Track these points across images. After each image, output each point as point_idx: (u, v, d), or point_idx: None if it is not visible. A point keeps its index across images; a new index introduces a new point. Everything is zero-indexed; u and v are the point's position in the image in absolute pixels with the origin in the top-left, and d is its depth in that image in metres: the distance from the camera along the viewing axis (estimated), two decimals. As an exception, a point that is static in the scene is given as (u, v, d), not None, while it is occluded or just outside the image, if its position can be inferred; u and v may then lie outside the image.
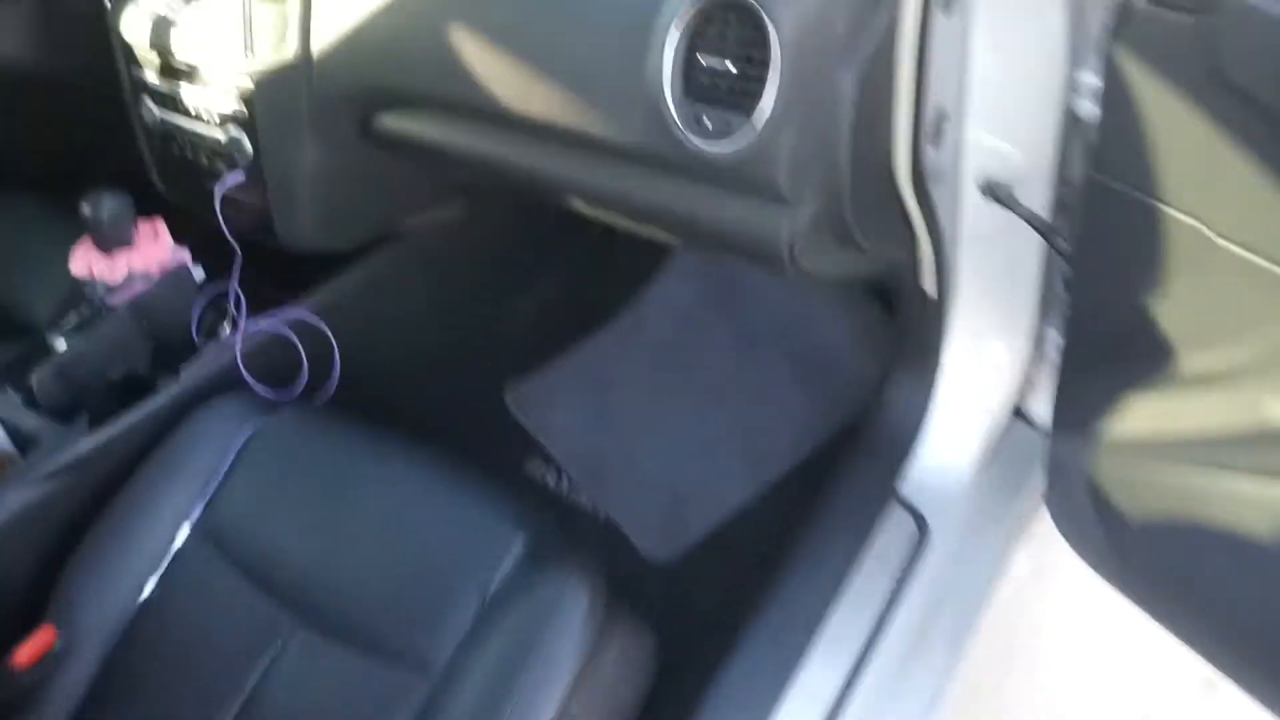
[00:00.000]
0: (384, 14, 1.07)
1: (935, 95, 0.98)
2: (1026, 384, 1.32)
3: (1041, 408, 1.35)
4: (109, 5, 1.30)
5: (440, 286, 1.49)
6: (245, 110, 1.20)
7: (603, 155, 1.01)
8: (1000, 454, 1.32)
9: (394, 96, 1.12)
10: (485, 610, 1.01)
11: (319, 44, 1.12)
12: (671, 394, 1.57)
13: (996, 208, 1.11)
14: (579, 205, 1.09)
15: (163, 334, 1.27)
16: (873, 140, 0.95)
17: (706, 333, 1.62)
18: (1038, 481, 1.35)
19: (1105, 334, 0.97)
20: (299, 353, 1.29)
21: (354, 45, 1.10)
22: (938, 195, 1.07)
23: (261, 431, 1.17)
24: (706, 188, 0.96)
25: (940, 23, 0.93)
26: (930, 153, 1.02)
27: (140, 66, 1.30)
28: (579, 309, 1.70)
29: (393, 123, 1.16)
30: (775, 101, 0.85)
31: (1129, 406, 0.95)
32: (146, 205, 1.26)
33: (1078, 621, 1.39)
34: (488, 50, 1.00)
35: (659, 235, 1.08)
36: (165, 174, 1.36)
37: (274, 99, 1.18)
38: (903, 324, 1.30)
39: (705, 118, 0.88)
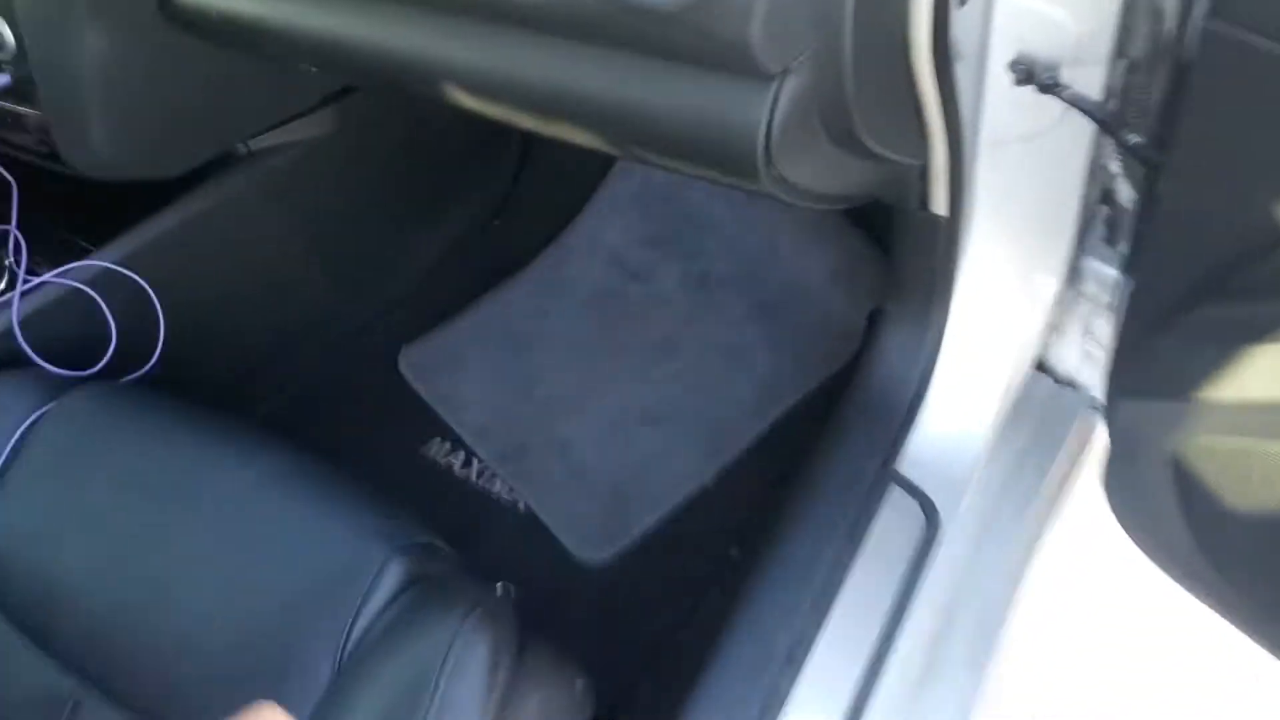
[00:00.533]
0: None
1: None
2: (1052, 329, 1.05)
3: (1067, 358, 1.08)
4: None
5: (302, 224, 1.16)
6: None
7: (499, 20, 0.70)
8: (1021, 418, 1.05)
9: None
10: (343, 669, 0.72)
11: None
12: (607, 354, 1.27)
13: (1030, 96, 0.82)
14: (465, 101, 0.78)
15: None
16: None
17: (649, 276, 1.32)
18: (1066, 452, 1.09)
19: (1207, 264, 0.69)
20: (105, 315, 0.96)
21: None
22: (960, 73, 0.78)
23: (42, 420, 0.86)
24: (646, 61, 0.66)
25: None
26: (955, 11, 0.73)
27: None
28: (489, 249, 1.39)
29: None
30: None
31: (1244, 361, 0.68)
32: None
33: (1115, 613, 1.13)
34: None
35: (584, 141, 0.77)
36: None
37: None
38: (898, 256, 1.02)
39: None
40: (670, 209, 1.33)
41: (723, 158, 0.67)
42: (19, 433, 0.86)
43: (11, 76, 0.91)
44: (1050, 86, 0.81)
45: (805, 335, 1.22)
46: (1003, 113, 0.86)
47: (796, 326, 1.23)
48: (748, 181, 0.69)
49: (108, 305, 0.97)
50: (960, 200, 0.91)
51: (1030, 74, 0.82)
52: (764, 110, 0.63)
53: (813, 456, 1.01)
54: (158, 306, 1.00)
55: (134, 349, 0.99)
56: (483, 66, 0.73)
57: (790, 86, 0.63)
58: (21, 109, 0.94)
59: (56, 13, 0.85)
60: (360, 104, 1.16)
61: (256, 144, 1.10)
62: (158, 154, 0.99)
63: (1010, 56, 0.82)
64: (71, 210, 1.03)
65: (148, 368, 1.00)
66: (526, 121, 0.75)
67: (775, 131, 0.64)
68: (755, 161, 0.65)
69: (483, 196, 1.39)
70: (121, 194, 1.03)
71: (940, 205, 0.92)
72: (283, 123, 1.09)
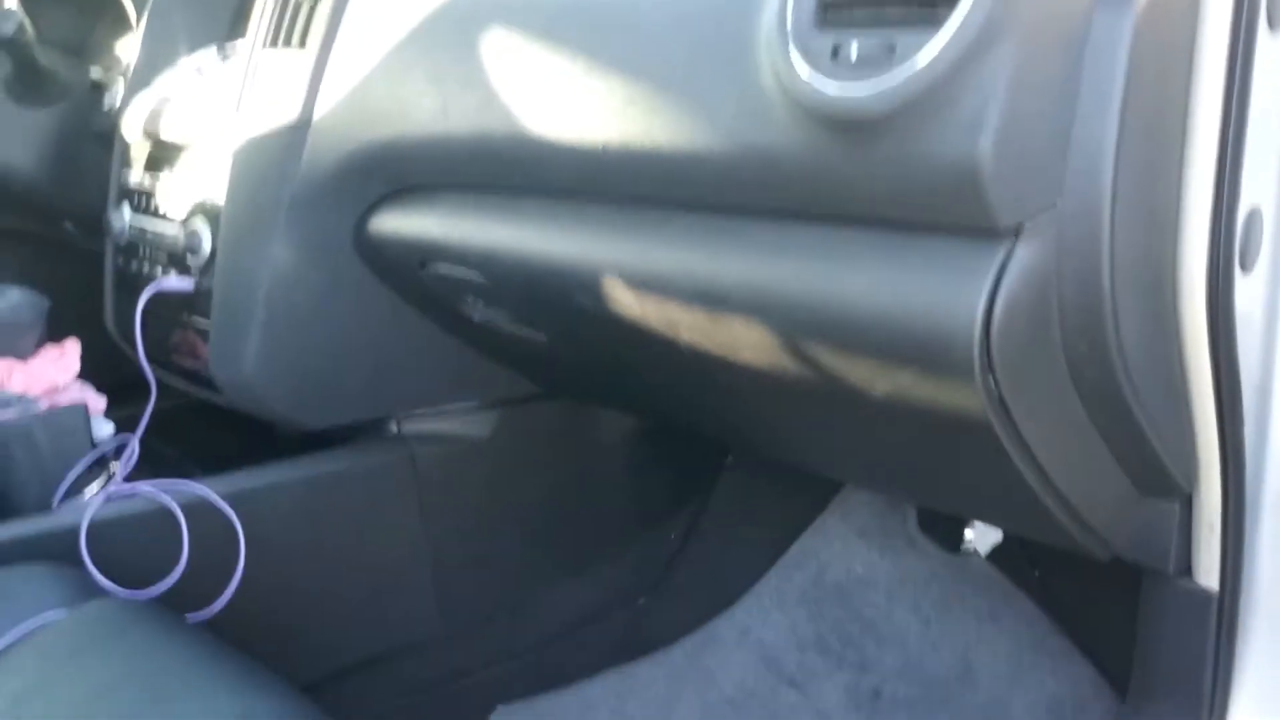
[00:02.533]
0: (405, 61, 0.77)
1: (1252, 180, 0.57)
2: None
3: None
4: (116, 105, 1.07)
5: (429, 528, 1.04)
6: (218, 196, 0.89)
7: (666, 206, 0.63)
8: None
9: (404, 167, 0.79)
10: None
11: (328, 100, 0.82)
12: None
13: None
14: (626, 305, 0.68)
15: (13, 481, 0.87)
16: (1150, 177, 0.53)
17: (807, 684, 1.08)
18: None
19: None
20: (182, 541, 0.85)
21: (367, 98, 0.79)
22: (1245, 363, 0.61)
23: (55, 624, 0.71)
24: (832, 230, 0.55)
25: (1269, 47, 0.55)
26: (1239, 278, 0.59)
27: (128, 166, 1.03)
28: (628, 625, 1.20)
29: (392, 220, 0.82)
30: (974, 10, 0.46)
31: None
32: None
33: None
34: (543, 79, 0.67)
35: (752, 346, 0.64)
36: (119, 300, 1.04)
37: (251, 173, 0.87)
38: (1144, 657, 0.76)
39: (850, 46, 0.49)
40: (844, 611, 1.12)
41: (923, 349, 0.52)
42: (29, 630, 0.71)
43: (195, 284, 0.91)
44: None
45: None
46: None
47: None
48: (953, 392, 0.53)
49: (189, 533, 0.86)
50: (1239, 568, 0.68)
51: (1330, 404, 0.64)
52: (987, 278, 0.49)
53: None
54: (242, 553, 0.88)
55: (197, 587, 0.85)
56: (647, 261, 0.64)
57: (1025, 254, 0.50)
58: (192, 319, 0.92)
59: (259, 222, 0.86)
60: (527, 415, 1.09)
61: (409, 428, 1.03)
62: (304, 398, 0.93)
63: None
64: (203, 432, 0.97)
65: (216, 608, 0.85)
66: (690, 326, 0.64)
67: (1000, 311, 0.49)
68: (969, 354, 0.50)
69: (637, 565, 1.24)
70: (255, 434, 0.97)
71: (1209, 571, 0.69)
72: (439, 406, 1.03)
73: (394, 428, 1.02)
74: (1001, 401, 0.53)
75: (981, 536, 1.08)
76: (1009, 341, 0.50)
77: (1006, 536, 1.08)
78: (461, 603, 1.09)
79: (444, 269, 0.79)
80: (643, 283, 0.64)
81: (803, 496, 1.21)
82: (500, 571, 1.12)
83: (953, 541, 1.09)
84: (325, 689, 1.00)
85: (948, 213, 0.50)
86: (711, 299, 0.61)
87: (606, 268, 0.66)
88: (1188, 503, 0.68)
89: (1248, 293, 0.61)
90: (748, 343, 0.61)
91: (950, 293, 0.51)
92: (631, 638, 1.17)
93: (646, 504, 1.25)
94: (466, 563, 1.09)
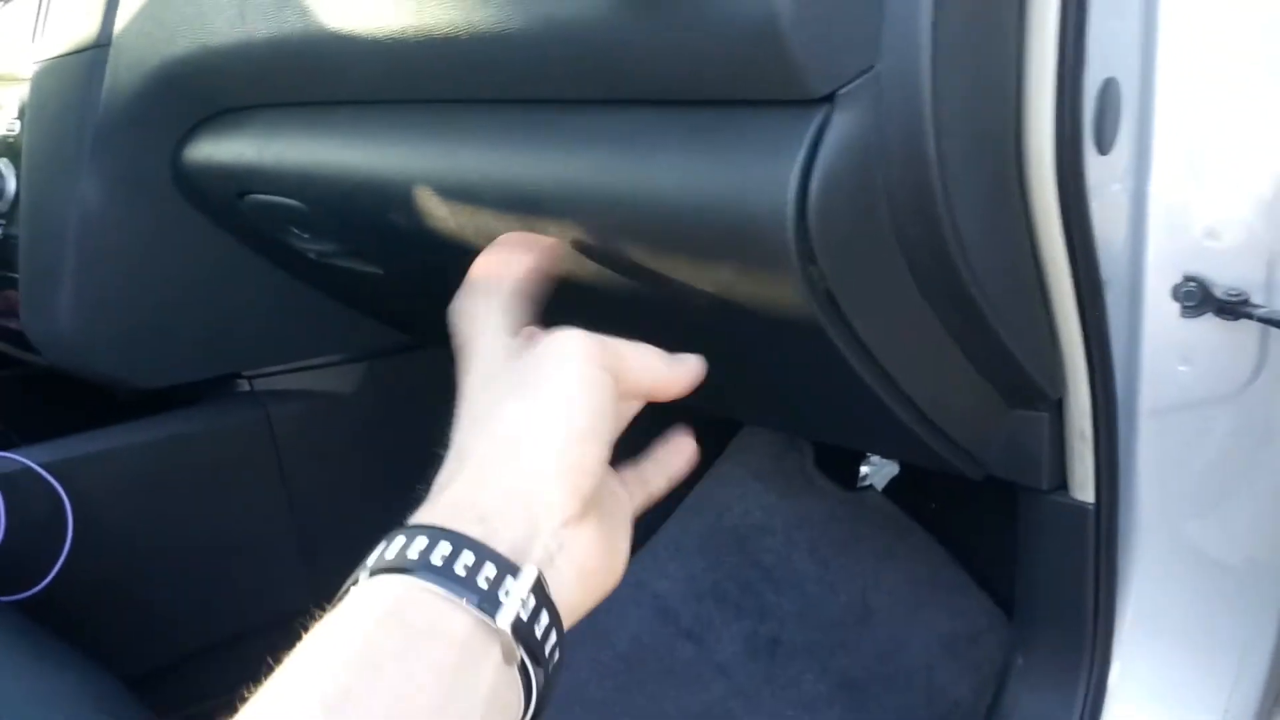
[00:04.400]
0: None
1: (1106, 47, 0.53)
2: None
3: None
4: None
5: (290, 493, 0.97)
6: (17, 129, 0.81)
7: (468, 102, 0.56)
8: None
9: (208, 84, 0.72)
10: None
11: (126, 15, 0.74)
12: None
13: (1211, 335, 0.60)
14: (440, 219, 0.62)
15: None
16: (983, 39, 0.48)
17: (704, 636, 1.03)
18: None
19: None
20: (-5, 516, 0.77)
21: (165, 8, 0.71)
22: (1107, 255, 0.57)
23: None
24: (636, 112, 0.49)
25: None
26: (1093, 158, 0.54)
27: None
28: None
29: (206, 147, 0.75)
30: None
31: None
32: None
33: None
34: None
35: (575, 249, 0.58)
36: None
37: (50, 103, 0.79)
38: (1027, 581, 0.72)
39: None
40: (742, 559, 1.08)
41: (738, 237, 0.46)
42: None
43: (2, 231, 0.83)
44: (1235, 305, 0.59)
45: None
46: (1169, 362, 0.62)
47: (894, 712, 0.89)
48: (776, 288, 0.48)
49: (6, 507, 0.78)
50: (1115, 479, 0.64)
51: (1205, 295, 0.60)
52: (799, 153, 0.44)
53: None
54: (69, 527, 0.80)
55: (19, 567, 0.78)
56: (455, 167, 0.58)
57: (842, 124, 0.44)
58: (4, 273, 0.84)
59: (59, 160, 0.78)
60: (397, 369, 1.02)
61: (262, 385, 0.96)
62: (133, 354, 0.86)
63: (1175, 279, 0.61)
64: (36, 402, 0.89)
65: (27, 594, 0.77)
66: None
67: (816, 190, 0.44)
68: (784, 239, 0.44)
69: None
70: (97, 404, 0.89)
71: (1084, 485, 0.65)
72: (295, 362, 0.95)
73: (245, 385, 0.95)
74: (829, 297, 0.48)
75: (877, 471, 1.04)
76: (829, 224, 0.45)
77: (903, 469, 1.03)
78: (335, 573, 1.02)
79: (263, 198, 0.72)
80: (453, 192, 0.58)
81: (699, 441, 1.15)
82: (377, 536, 1.05)
83: (850, 478, 1.04)
84: (184, 670, 0.94)
85: (753, 82, 0.44)
86: (523, 203, 0.55)
87: (416, 178, 0.59)
88: (1058, 411, 0.63)
89: (1105, 176, 0.56)
90: (569, 255, 0.55)
91: (760, 172, 0.45)
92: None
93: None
94: (338, 530, 1.02)
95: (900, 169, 0.46)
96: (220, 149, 0.74)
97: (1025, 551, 0.71)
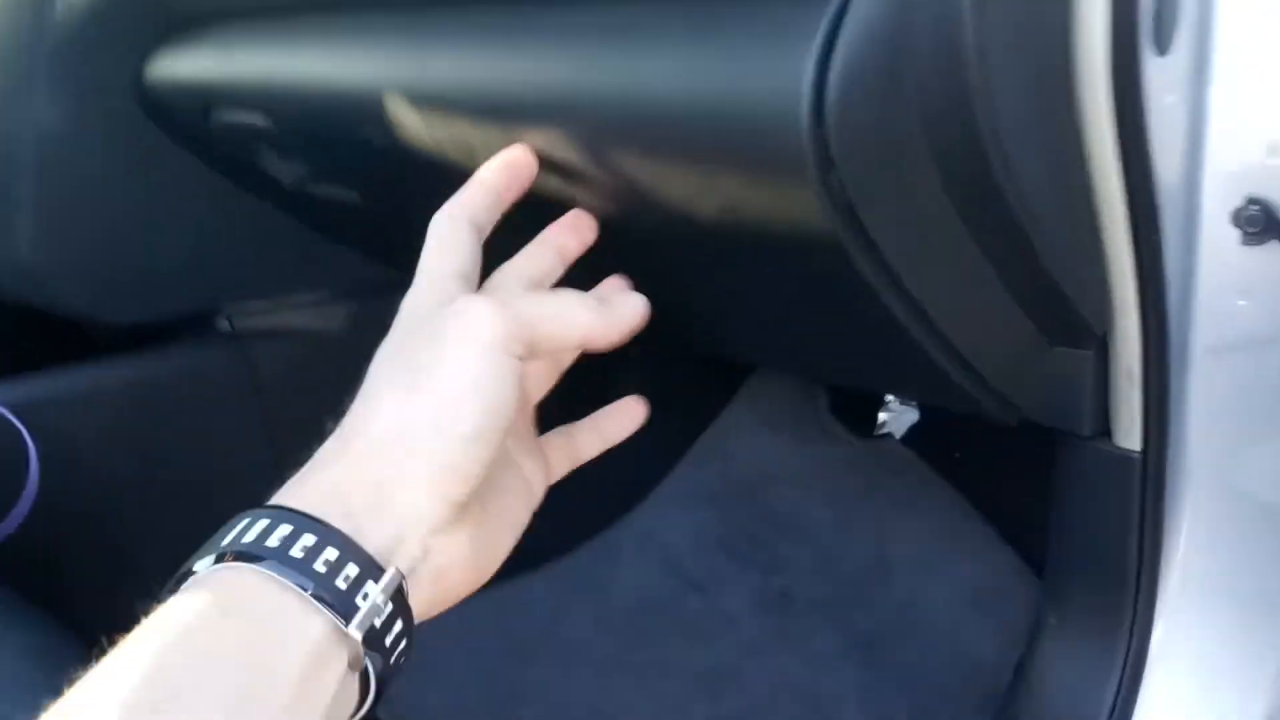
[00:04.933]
0: None
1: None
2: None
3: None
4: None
5: (278, 439, 0.92)
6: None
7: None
8: None
9: None
10: None
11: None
12: (637, 678, 0.91)
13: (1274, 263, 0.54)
14: (421, 133, 0.55)
15: None
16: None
17: (713, 589, 0.98)
18: None
19: None
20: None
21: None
22: (1164, 172, 0.50)
23: None
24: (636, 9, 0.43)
25: None
26: (1150, 59, 0.47)
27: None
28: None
29: (171, 62, 0.68)
30: None
31: None
32: None
33: None
34: None
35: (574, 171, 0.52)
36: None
37: (4, 14, 0.72)
38: (1063, 535, 0.66)
39: None
40: (753, 509, 1.02)
41: (746, 139, 0.40)
42: None
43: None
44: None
45: (925, 682, 0.83)
46: (1227, 295, 0.56)
47: (911, 670, 0.84)
48: (790, 201, 0.41)
49: (-37, 449, 0.73)
50: (1165, 423, 0.58)
51: (1269, 221, 0.53)
52: (815, 40, 0.37)
53: None
54: (33, 472, 0.76)
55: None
56: (428, 72, 0.51)
57: (863, 7, 0.37)
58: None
59: (15, 77, 0.72)
60: (389, 307, 0.96)
61: (244, 324, 0.90)
62: (101, 287, 0.80)
63: (1235, 202, 0.54)
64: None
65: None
66: (489, 154, 0.51)
67: (835, 83, 0.37)
68: (797, 140, 0.38)
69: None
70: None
71: (1129, 430, 0.59)
72: (280, 298, 0.90)
73: (225, 324, 0.89)
74: (851, 211, 0.41)
75: (897, 418, 0.98)
76: (850, 125, 0.38)
77: (924, 416, 0.98)
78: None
79: (229, 115, 0.66)
80: (427, 100, 0.52)
81: (709, 387, 1.10)
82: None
83: (867, 425, 0.99)
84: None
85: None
86: (504, 110, 0.48)
87: (386, 88, 0.53)
88: (1103, 350, 0.57)
89: (1161, 84, 0.49)
90: (551, 166, 0.49)
91: (771, 63, 0.38)
92: (516, 554, 1.07)
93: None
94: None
95: (932, 61, 0.39)
96: (183, 64, 0.67)
97: (1061, 503, 0.65)
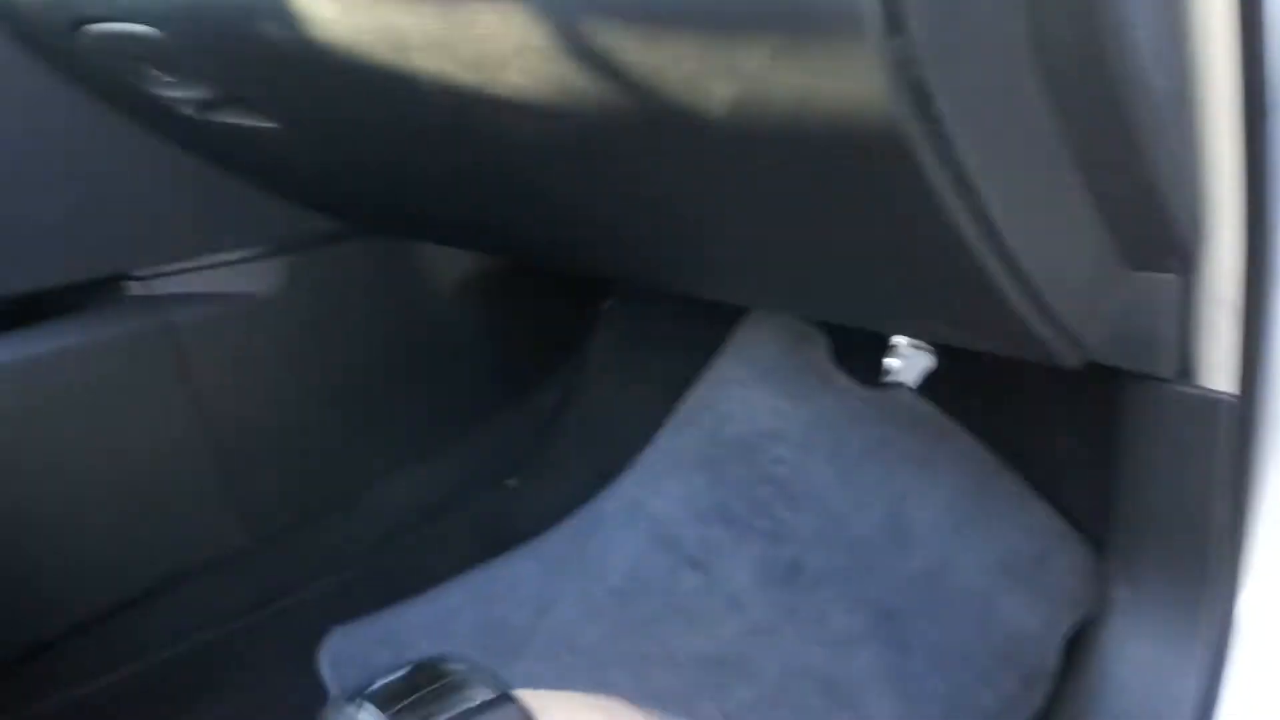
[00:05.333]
0: None
1: None
2: None
3: None
4: None
5: (207, 416, 0.80)
6: None
7: None
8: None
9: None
10: None
11: None
12: (633, 670, 0.81)
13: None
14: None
15: None
16: None
17: (711, 563, 0.88)
18: None
19: None
20: None
21: None
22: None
23: None
24: None
25: None
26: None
27: None
28: (495, 516, 0.99)
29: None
30: None
31: None
32: None
33: None
34: None
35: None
36: None
37: None
38: (1131, 492, 0.56)
39: None
40: (750, 472, 0.92)
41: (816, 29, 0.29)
42: None
43: None
44: None
45: (955, 665, 0.73)
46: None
47: (939, 650, 0.75)
48: (838, 75, 0.30)
49: None
50: (1265, 362, 0.48)
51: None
52: None
53: None
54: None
55: None
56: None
57: None
58: None
59: None
60: (331, 262, 0.84)
61: (159, 286, 0.78)
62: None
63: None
64: None
65: None
66: (424, 41, 0.39)
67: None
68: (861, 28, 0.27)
69: (499, 440, 1.02)
70: None
71: (1221, 369, 0.49)
72: (201, 257, 0.78)
73: (138, 289, 0.77)
74: (920, 88, 0.30)
75: (908, 364, 0.87)
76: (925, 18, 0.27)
77: (939, 360, 0.87)
78: (268, 505, 0.86)
79: (104, 27, 0.53)
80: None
81: (694, 339, 0.99)
82: (318, 462, 0.89)
83: (874, 373, 0.88)
84: (93, 631, 0.78)
85: None
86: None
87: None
88: (1190, 274, 0.47)
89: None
90: (511, 55, 0.37)
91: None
92: (498, 528, 0.96)
93: (507, 365, 1.02)
94: (268, 456, 0.85)
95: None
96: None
97: (1129, 456, 0.55)
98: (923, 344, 0.84)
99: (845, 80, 0.30)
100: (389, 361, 0.92)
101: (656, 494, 0.94)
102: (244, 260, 0.80)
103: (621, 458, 0.99)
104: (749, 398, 0.94)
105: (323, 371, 0.86)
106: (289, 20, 0.42)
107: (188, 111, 0.59)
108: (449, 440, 0.98)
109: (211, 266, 0.79)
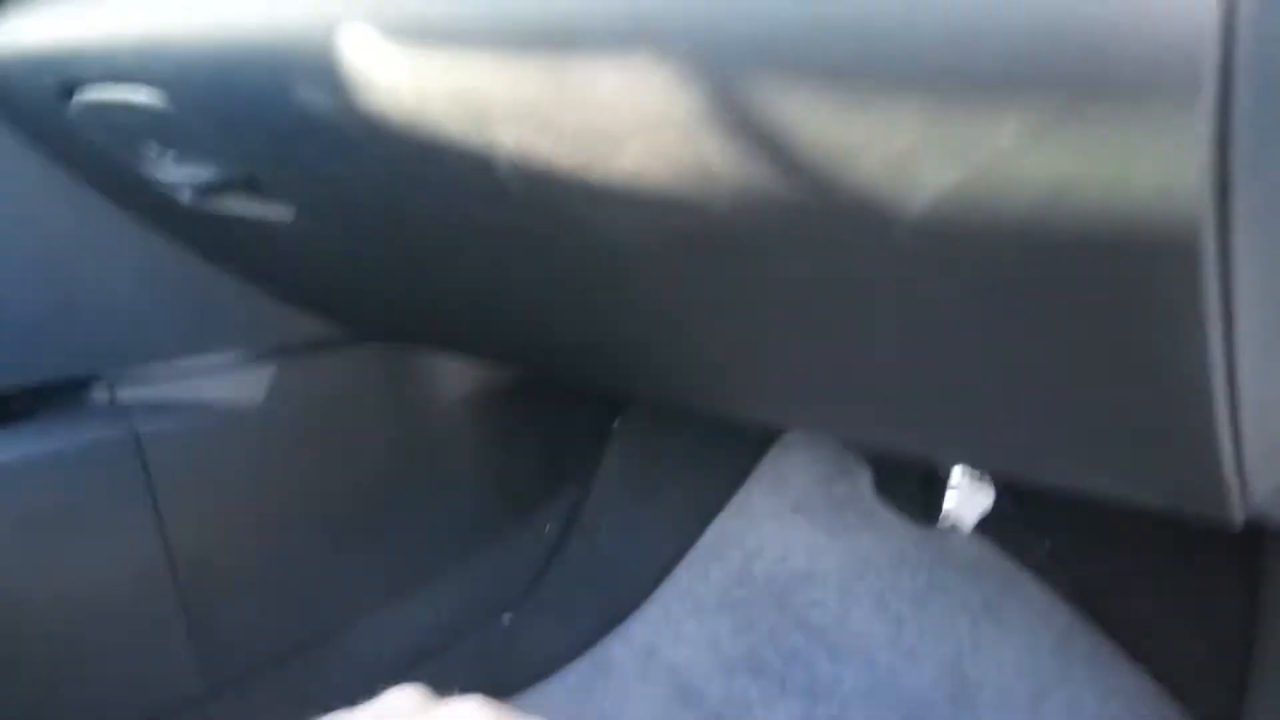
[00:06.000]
0: None
1: None
2: None
3: None
4: None
5: (173, 542, 0.69)
6: None
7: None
8: None
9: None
10: None
11: None
12: None
13: None
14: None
15: None
16: None
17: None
18: None
19: None
20: None
21: None
22: None
23: None
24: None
25: None
26: None
27: None
28: (488, 656, 0.88)
29: (11, 30, 0.47)
30: None
31: None
32: None
33: None
34: None
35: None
36: None
37: None
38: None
39: None
40: (783, 618, 0.82)
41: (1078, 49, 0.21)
42: None
43: None
44: None
45: None
46: None
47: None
48: (1136, 155, 0.22)
49: None
50: None
51: None
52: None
53: None
54: None
55: None
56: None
57: None
58: None
59: None
60: (319, 371, 0.75)
61: (128, 393, 0.68)
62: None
63: None
64: None
65: None
66: (521, 113, 0.31)
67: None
68: (1194, 51, 0.19)
69: (497, 572, 0.91)
70: None
71: None
72: (176, 360, 0.68)
73: (104, 395, 0.67)
74: (1226, 177, 0.23)
75: (966, 502, 0.79)
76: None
77: (999, 498, 0.79)
78: (231, 647, 0.74)
79: (99, 92, 0.45)
80: (412, 30, 0.32)
81: (717, 464, 0.90)
82: (289, 598, 0.78)
83: (926, 510, 0.80)
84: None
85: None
86: (560, 34, 0.29)
87: (341, 16, 0.33)
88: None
89: None
90: (635, 129, 0.29)
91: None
92: (493, 670, 0.85)
93: (505, 488, 0.92)
94: (235, 589, 0.74)
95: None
96: (30, 25, 0.46)
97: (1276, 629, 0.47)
98: (982, 478, 0.77)
99: (1139, 160, 0.23)
100: (376, 484, 0.82)
101: (675, 639, 0.84)
102: (224, 366, 0.70)
103: (632, 595, 0.89)
104: (782, 532, 0.85)
105: (304, 493, 0.76)
106: (333, 84, 0.34)
107: (184, 197, 0.51)
108: (440, 572, 0.87)
109: (187, 373, 0.69)
